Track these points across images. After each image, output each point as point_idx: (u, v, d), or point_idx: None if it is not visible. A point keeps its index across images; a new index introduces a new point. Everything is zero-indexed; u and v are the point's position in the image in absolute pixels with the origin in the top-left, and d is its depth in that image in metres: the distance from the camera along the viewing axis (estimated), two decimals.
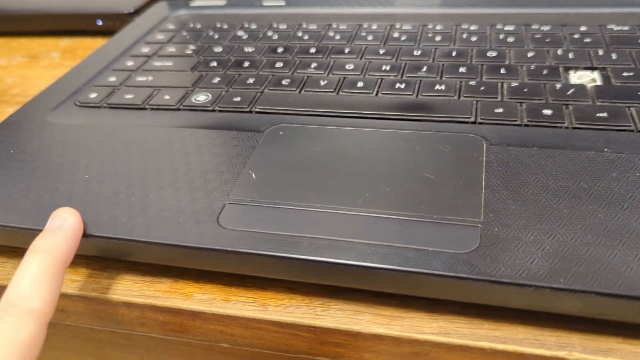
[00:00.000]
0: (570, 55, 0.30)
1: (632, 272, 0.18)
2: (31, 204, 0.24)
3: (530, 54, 0.31)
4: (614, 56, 0.30)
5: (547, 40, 0.32)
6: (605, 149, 0.23)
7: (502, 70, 0.30)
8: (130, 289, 0.23)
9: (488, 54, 0.31)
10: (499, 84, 0.29)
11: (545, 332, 0.19)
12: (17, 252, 0.25)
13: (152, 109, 0.30)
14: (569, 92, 0.27)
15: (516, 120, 0.26)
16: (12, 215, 0.23)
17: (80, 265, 0.24)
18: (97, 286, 0.23)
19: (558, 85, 0.28)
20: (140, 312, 0.23)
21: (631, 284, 0.18)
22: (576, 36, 0.32)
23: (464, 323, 0.20)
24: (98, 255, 0.23)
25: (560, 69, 0.29)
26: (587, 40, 0.32)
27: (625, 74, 0.28)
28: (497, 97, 0.28)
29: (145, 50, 0.37)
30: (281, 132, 0.27)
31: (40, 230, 0.22)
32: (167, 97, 0.30)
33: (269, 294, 0.22)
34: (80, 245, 0.22)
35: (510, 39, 0.33)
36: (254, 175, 0.24)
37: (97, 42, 0.47)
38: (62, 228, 0.21)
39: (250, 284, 0.22)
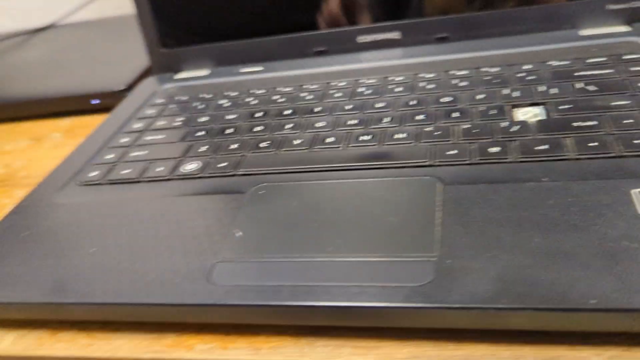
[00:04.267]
0: (516, 94, 0.34)
1: (564, 287, 0.21)
2: (47, 280, 0.27)
3: (480, 96, 0.35)
4: (553, 91, 0.33)
5: (496, 81, 0.36)
6: (543, 179, 0.26)
7: (456, 114, 0.33)
8: (139, 347, 0.26)
9: (442, 100, 0.35)
10: (453, 128, 0.32)
11: (501, 347, 0.22)
12: (33, 324, 0.28)
13: (147, 181, 0.33)
14: (513, 129, 0.30)
15: (467, 160, 0.29)
16: (31, 292, 0.26)
17: (93, 330, 0.27)
18: (109, 347, 0.26)
19: (504, 124, 0.31)
20: None
21: (564, 297, 0.21)
22: (521, 75, 0.36)
23: (430, 346, 0.23)
24: (107, 320, 0.26)
25: (506, 108, 0.33)
26: (531, 77, 0.36)
27: (562, 106, 0.32)
28: (450, 140, 0.31)
29: (138, 125, 0.40)
30: (262, 192, 0.30)
31: (58, 304, 0.25)
32: (160, 168, 0.34)
33: (262, 338, 0.25)
34: (91, 311, 0.25)
35: (463, 83, 0.37)
36: (239, 234, 0.27)
37: (95, 119, 0.51)
38: None
39: (245, 331, 0.25)
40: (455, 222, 0.25)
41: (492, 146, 0.29)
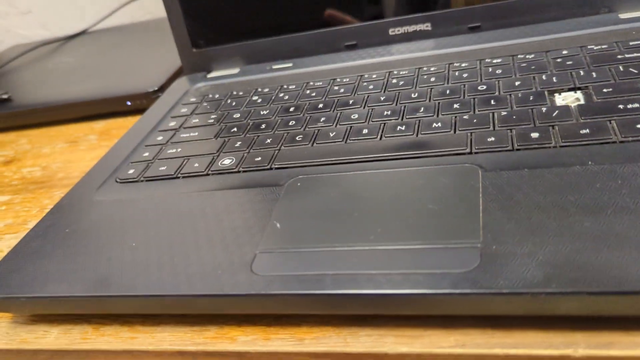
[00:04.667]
0: (554, 79, 0.33)
1: (618, 271, 0.20)
2: (90, 275, 0.27)
3: (517, 83, 0.34)
4: (594, 75, 0.32)
5: (532, 67, 0.35)
6: (590, 162, 0.26)
7: (492, 102, 0.33)
8: (182, 339, 0.26)
9: (479, 88, 0.34)
10: (490, 115, 0.31)
11: (551, 334, 0.22)
12: (76, 319, 0.28)
13: (183, 177, 0.34)
14: (554, 114, 0.30)
15: (507, 146, 0.28)
16: (75, 286, 0.27)
17: (136, 324, 0.27)
18: (152, 340, 0.26)
19: (544, 109, 0.30)
20: (192, 358, 0.26)
21: (618, 281, 0.20)
22: (559, 60, 0.35)
23: (477, 334, 0.22)
24: (150, 313, 0.27)
25: (546, 93, 0.32)
26: (569, 62, 0.35)
27: (605, 90, 0.31)
28: (489, 127, 0.30)
29: (172, 124, 0.41)
30: (299, 184, 0.30)
31: (102, 297, 0.25)
32: (196, 164, 0.34)
33: (304, 329, 0.25)
34: (134, 304, 0.25)
35: (499, 71, 0.36)
36: (278, 225, 0.27)
37: (129, 121, 0.51)
38: None
39: (286, 322, 0.25)
40: (498, 208, 0.24)
41: (533, 132, 0.29)
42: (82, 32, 0.78)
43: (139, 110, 0.53)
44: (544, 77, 0.34)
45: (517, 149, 0.28)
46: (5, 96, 0.56)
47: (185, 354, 0.26)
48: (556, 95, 0.32)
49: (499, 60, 0.37)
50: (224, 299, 0.24)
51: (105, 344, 0.27)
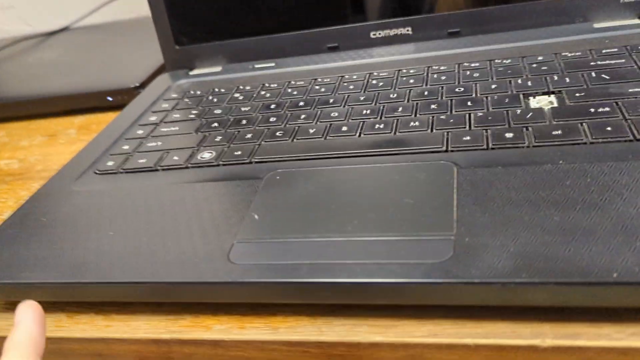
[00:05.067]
0: (529, 83, 0.34)
1: (585, 262, 0.21)
2: (67, 262, 0.27)
3: (493, 86, 0.35)
4: (567, 80, 0.33)
5: (509, 71, 0.36)
6: (561, 162, 0.26)
7: (469, 103, 0.33)
8: (156, 328, 0.26)
9: (456, 90, 0.35)
10: (467, 115, 0.32)
11: (521, 324, 0.22)
12: (51, 307, 0.28)
13: (163, 169, 0.34)
14: (528, 116, 0.31)
15: (482, 145, 0.29)
16: (51, 273, 0.27)
17: (111, 312, 0.27)
18: (127, 328, 0.26)
19: (518, 111, 0.31)
20: (167, 347, 0.26)
21: (585, 271, 0.21)
22: (534, 65, 0.36)
23: (449, 324, 0.23)
24: (125, 301, 0.27)
25: (521, 96, 0.33)
26: (544, 68, 0.36)
27: (577, 94, 0.32)
28: (465, 127, 0.31)
29: (153, 118, 0.41)
30: (278, 177, 0.30)
31: (78, 284, 0.25)
32: (175, 157, 0.34)
33: (279, 318, 0.25)
34: (110, 291, 0.25)
35: (476, 74, 0.37)
36: (256, 216, 0.27)
37: (109, 117, 0.51)
38: (26, 324, 0.23)
39: (261, 312, 0.25)
40: (472, 203, 0.25)
41: (507, 132, 0.30)
42: (64, 29, 0.77)
43: (119, 106, 0.52)
44: (519, 81, 0.35)
45: (492, 148, 0.29)
46: None
47: (160, 342, 0.26)
48: (531, 98, 0.33)
49: (476, 65, 0.38)
50: (200, 287, 0.24)
51: (79, 332, 0.27)
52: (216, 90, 0.44)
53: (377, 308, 0.24)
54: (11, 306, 0.29)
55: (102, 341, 0.26)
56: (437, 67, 0.39)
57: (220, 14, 0.47)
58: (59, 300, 0.28)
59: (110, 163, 0.35)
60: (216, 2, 0.47)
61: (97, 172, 0.35)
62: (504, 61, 0.38)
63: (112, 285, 0.26)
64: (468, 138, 0.30)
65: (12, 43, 0.72)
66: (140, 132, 0.39)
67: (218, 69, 0.48)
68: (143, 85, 0.50)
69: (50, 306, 0.28)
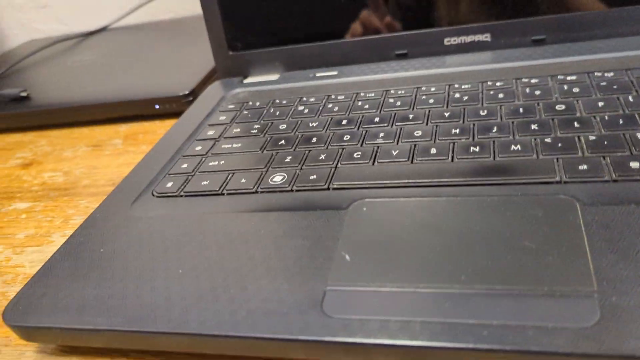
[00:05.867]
0: None
1: None
2: (132, 305, 0.24)
3: (600, 104, 0.31)
4: None
5: (614, 86, 0.32)
6: None
7: (576, 124, 0.29)
8: None
9: (556, 108, 0.31)
10: (576, 139, 0.28)
11: None
12: (117, 351, 0.25)
13: (229, 194, 0.30)
14: None
15: (604, 177, 0.25)
16: (115, 318, 0.23)
17: None
18: None
19: (639, 135, 0.27)
20: None
21: None
22: None
23: None
24: (204, 353, 0.23)
25: (637, 116, 0.29)
26: None
27: None
28: (577, 153, 0.27)
29: (211, 132, 0.38)
30: (365, 209, 0.27)
31: (147, 333, 0.22)
32: (243, 180, 0.31)
33: None
34: (184, 342, 0.22)
35: (575, 89, 0.33)
36: (347, 257, 0.24)
37: (155, 125, 0.48)
38: None
39: None
40: (609, 250, 0.21)
41: (631, 161, 0.26)
42: (102, 29, 0.75)
43: (166, 114, 0.49)
44: (630, 98, 0.31)
45: (616, 180, 0.25)
46: (23, 94, 0.53)
47: None
48: None
49: (573, 77, 0.34)
50: (291, 344, 0.21)
51: None
52: (277, 101, 0.40)
53: None
54: (67, 350, 0.26)
55: None
56: (526, 80, 0.35)
57: (277, 18, 0.44)
58: (122, 348, 0.25)
59: (169, 184, 0.32)
60: (273, 6, 0.44)
61: (156, 194, 0.32)
62: (606, 74, 0.34)
63: (186, 336, 0.22)
64: (585, 167, 0.26)
65: (50, 44, 0.69)
66: (198, 148, 0.36)
67: (275, 77, 0.45)
68: (193, 93, 0.47)
69: (111, 351, 0.25)
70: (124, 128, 0.49)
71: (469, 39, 0.41)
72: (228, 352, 0.23)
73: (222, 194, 0.31)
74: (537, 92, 0.33)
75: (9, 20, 0.88)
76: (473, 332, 0.19)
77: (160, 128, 0.48)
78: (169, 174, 0.34)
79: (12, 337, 0.28)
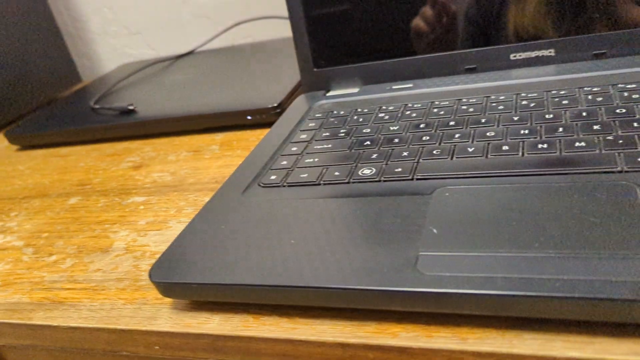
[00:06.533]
0: None
1: None
2: (255, 266, 0.29)
3: None
4: None
5: None
6: None
7: (635, 124, 0.33)
8: (342, 332, 0.27)
9: (617, 111, 0.35)
10: (636, 136, 0.32)
11: None
12: (235, 308, 0.30)
13: (325, 184, 0.36)
14: None
15: None
16: (242, 275, 0.29)
17: (295, 315, 0.29)
18: (314, 331, 0.28)
19: None
20: (353, 351, 0.27)
21: None
22: None
23: None
24: (308, 305, 0.28)
25: None
26: None
27: None
28: (637, 148, 0.31)
29: (304, 136, 0.43)
30: (447, 194, 0.31)
31: (270, 286, 0.27)
32: (336, 173, 0.36)
33: (466, 329, 0.26)
34: (300, 295, 0.27)
35: (635, 96, 0.36)
36: (435, 231, 0.28)
37: (248, 134, 0.54)
38: None
39: (445, 321, 0.26)
40: None
41: None
42: (190, 52, 0.83)
43: (257, 125, 0.56)
44: None
45: None
46: (131, 107, 0.61)
47: (346, 346, 0.27)
48: None
49: (633, 86, 0.38)
50: (389, 294, 0.26)
51: (267, 332, 0.28)
52: (359, 110, 0.46)
53: (570, 323, 0.24)
54: (196, 305, 0.31)
55: (289, 342, 0.28)
56: (589, 89, 0.39)
57: (357, 38, 0.50)
58: (244, 302, 0.30)
59: (273, 177, 0.38)
60: (353, 27, 0.49)
61: (262, 185, 0.37)
62: None
63: (301, 289, 0.27)
64: None
65: (145, 66, 0.77)
66: (294, 149, 0.41)
67: (355, 90, 0.50)
68: (280, 105, 0.53)
69: (234, 306, 0.31)
70: (219, 137, 0.56)
71: (533, 54, 0.45)
72: (333, 304, 0.27)
73: (320, 184, 0.36)
74: (599, 99, 0.37)
75: (104, 46, 0.98)
76: (546, 284, 0.23)
77: (252, 136, 0.54)
78: (271, 169, 0.39)
79: (149, 297, 0.33)
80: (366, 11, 0.48)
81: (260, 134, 0.54)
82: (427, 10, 0.47)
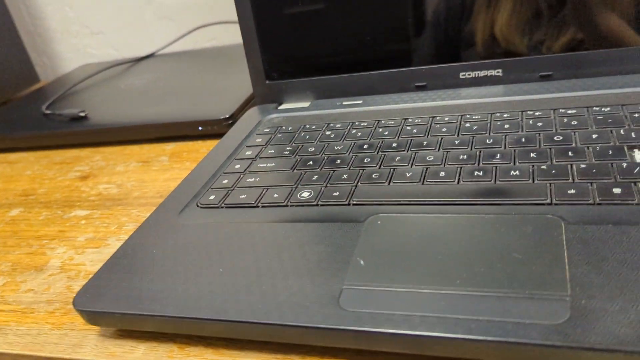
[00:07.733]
0: (633, 135, 0.34)
1: None
2: (181, 296, 0.28)
3: (594, 136, 0.34)
4: None
5: (609, 120, 0.36)
6: None
7: (570, 153, 0.33)
8: None
9: (555, 138, 0.35)
10: (569, 166, 0.32)
11: None
12: (161, 338, 0.30)
13: (263, 206, 0.35)
14: (636, 170, 0.30)
15: (589, 200, 0.29)
16: (167, 306, 0.28)
17: (220, 347, 0.28)
18: None
19: (624, 164, 0.31)
20: None
21: None
22: (636, 115, 0.36)
23: None
24: (235, 338, 0.28)
25: (625, 148, 0.33)
26: None
27: None
28: (568, 179, 0.31)
29: (249, 153, 0.43)
30: (379, 222, 0.31)
31: (194, 319, 0.27)
32: (275, 195, 0.36)
33: None
34: (225, 328, 0.27)
35: (574, 122, 0.37)
36: (362, 262, 0.28)
37: (198, 145, 0.54)
38: None
39: (375, 357, 0.26)
40: (584, 262, 0.25)
41: (615, 187, 0.29)
42: (151, 55, 0.81)
43: (208, 135, 0.55)
44: (621, 131, 0.34)
45: (599, 204, 0.29)
46: (82, 114, 0.59)
47: None
48: (636, 151, 0.32)
49: (573, 111, 0.38)
50: (313, 331, 0.25)
51: None
52: (307, 126, 0.45)
53: None
54: (123, 334, 0.31)
55: None
56: (531, 112, 0.39)
57: (309, 52, 0.49)
58: (171, 332, 0.30)
59: (212, 197, 0.37)
60: (306, 41, 0.49)
61: (200, 205, 0.37)
62: (603, 109, 0.37)
63: (225, 322, 0.27)
64: (573, 191, 0.30)
65: (104, 69, 0.76)
66: (237, 166, 0.41)
67: (306, 104, 0.50)
68: (232, 116, 0.53)
69: (161, 336, 0.30)
70: (170, 147, 0.55)
71: (482, 73, 0.45)
72: (258, 337, 0.27)
73: (257, 207, 0.35)
74: (539, 124, 0.37)
75: (66, 45, 0.96)
76: (463, 325, 0.23)
77: (202, 147, 0.53)
78: (212, 188, 0.38)
79: (77, 322, 0.32)
80: (319, 25, 0.48)
81: (211, 145, 0.53)
82: (380, 27, 0.47)
